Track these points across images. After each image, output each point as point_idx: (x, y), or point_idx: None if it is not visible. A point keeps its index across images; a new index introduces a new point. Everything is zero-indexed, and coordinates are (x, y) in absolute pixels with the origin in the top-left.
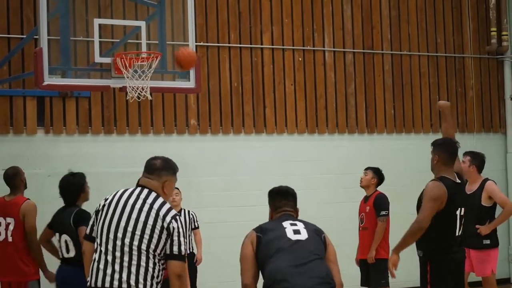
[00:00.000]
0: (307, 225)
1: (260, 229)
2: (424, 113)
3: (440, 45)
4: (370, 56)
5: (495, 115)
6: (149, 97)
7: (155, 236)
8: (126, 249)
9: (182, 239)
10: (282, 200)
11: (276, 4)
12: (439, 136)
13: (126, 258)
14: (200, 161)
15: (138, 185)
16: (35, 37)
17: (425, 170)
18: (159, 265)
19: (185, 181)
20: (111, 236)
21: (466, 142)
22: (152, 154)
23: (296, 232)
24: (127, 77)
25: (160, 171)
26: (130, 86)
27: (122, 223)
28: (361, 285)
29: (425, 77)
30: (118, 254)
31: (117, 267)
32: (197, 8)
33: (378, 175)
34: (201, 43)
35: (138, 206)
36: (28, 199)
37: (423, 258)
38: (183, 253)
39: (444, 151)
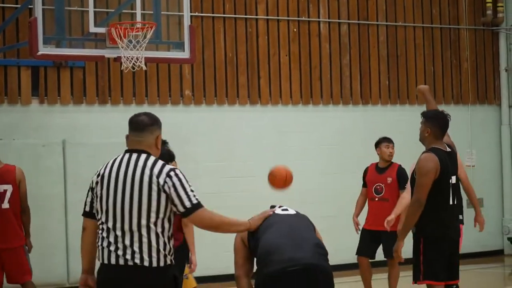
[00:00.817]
0: (297, 211)
1: (257, 229)
2: (419, 85)
3: (435, 17)
4: (365, 27)
5: (489, 87)
6: (144, 68)
7: (155, 203)
8: (134, 226)
9: (185, 191)
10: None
11: None
12: None
13: (136, 234)
14: (194, 132)
15: (128, 150)
16: (29, 6)
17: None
18: (168, 235)
19: (180, 151)
20: (118, 212)
21: (461, 114)
22: None
23: (285, 210)
24: (122, 47)
25: (150, 126)
26: (124, 56)
27: (126, 199)
28: (360, 254)
29: (420, 48)
30: (127, 228)
31: (127, 242)
32: None
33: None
34: (196, 14)
35: (136, 176)
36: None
37: (417, 234)
38: (195, 202)
39: (436, 125)
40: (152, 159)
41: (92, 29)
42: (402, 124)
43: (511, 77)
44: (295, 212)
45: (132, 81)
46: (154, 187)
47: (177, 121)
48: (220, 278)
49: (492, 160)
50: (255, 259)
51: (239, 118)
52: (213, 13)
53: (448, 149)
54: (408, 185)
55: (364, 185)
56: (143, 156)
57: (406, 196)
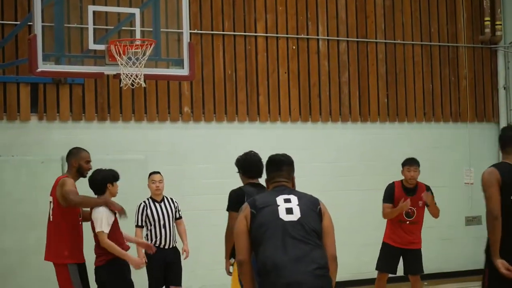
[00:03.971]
0: (301, 199)
1: (254, 204)
2: (417, 102)
3: (433, 34)
4: (363, 45)
5: (488, 105)
6: (143, 84)
7: None
8: None
9: None
10: (275, 171)
11: None
12: (431, 125)
13: None
14: (193, 149)
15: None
16: (29, 23)
17: (417, 159)
18: None
19: (179, 168)
20: None
21: (459, 132)
22: (146, 142)
23: (289, 211)
24: (121, 64)
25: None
26: (124, 73)
27: None
28: (380, 268)
29: (418, 66)
30: None
31: None
32: None
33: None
34: (195, 31)
35: None
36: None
37: (485, 262)
38: None
39: (505, 138)
40: None
41: (92, 46)
42: (401, 141)
43: (509, 95)
44: (299, 215)
45: (131, 98)
46: None
47: (176, 138)
48: None
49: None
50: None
51: (238, 135)
52: (212, 30)
53: None
54: None
55: (391, 201)
56: None
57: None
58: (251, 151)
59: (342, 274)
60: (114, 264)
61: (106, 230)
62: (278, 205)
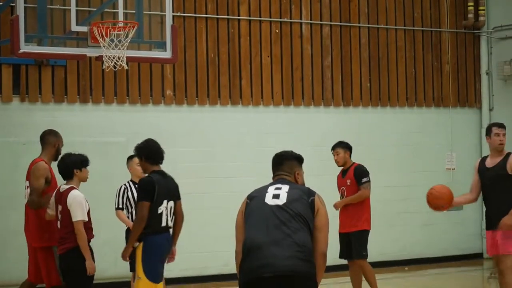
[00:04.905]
0: (293, 189)
1: (250, 195)
2: (400, 87)
3: (417, 19)
4: (347, 29)
5: (470, 90)
6: (125, 67)
7: None
8: None
9: None
10: (276, 165)
11: None
12: (414, 109)
13: None
14: (176, 132)
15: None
16: (11, 4)
17: (400, 143)
18: None
19: None
20: None
21: (441, 117)
22: (128, 124)
23: (275, 196)
24: (104, 46)
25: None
26: (106, 55)
27: None
28: (341, 257)
29: (401, 51)
30: None
31: None
32: None
33: (347, 147)
34: (178, 14)
35: None
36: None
37: None
38: None
39: None
40: None
41: (74, 27)
42: (383, 126)
43: (492, 81)
44: (285, 200)
45: (113, 81)
46: None
47: (158, 121)
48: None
49: (472, 163)
50: None
51: (221, 118)
52: (195, 13)
53: None
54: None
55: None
56: None
57: (363, 190)
58: (150, 139)
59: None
60: (79, 251)
61: (86, 218)
62: (267, 192)
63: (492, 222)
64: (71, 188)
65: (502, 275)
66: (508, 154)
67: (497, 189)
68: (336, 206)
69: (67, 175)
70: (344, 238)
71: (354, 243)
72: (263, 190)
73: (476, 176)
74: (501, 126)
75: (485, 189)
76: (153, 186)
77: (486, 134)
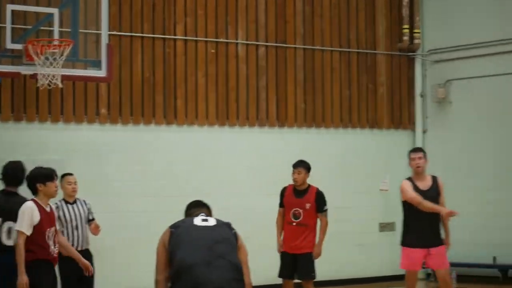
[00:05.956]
0: (218, 220)
1: (174, 225)
2: (335, 108)
3: (352, 41)
4: (282, 50)
5: (404, 112)
6: (60, 85)
7: None
8: None
9: None
10: (197, 207)
11: None
12: (348, 131)
13: None
14: (109, 150)
15: None
16: None
17: (334, 164)
18: None
19: (95, 170)
20: None
21: (376, 138)
22: (62, 143)
23: (204, 220)
24: (38, 64)
25: None
26: (41, 73)
27: None
28: (281, 276)
29: (336, 72)
30: None
31: None
32: None
33: (308, 168)
34: (114, 32)
35: None
36: None
37: None
38: None
39: None
40: None
41: (9, 45)
42: (318, 146)
43: (426, 103)
44: (215, 223)
45: (48, 99)
46: None
47: (93, 139)
48: None
49: None
50: None
51: (155, 137)
52: (131, 32)
53: None
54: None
55: (282, 205)
56: None
57: (325, 220)
58: (14, 161)
59: (258, 278)
60: (35, 266)
61: (28, 231)
62: (194, 219)
63: (426, 240)
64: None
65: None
66: (435, 178)
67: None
68: (317, 254)
69: (32, 190)
70: (289, 258)
71: (305, 264)
72: (189, 219)
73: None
74: (416, 150)
75: (421, 210)
76: None
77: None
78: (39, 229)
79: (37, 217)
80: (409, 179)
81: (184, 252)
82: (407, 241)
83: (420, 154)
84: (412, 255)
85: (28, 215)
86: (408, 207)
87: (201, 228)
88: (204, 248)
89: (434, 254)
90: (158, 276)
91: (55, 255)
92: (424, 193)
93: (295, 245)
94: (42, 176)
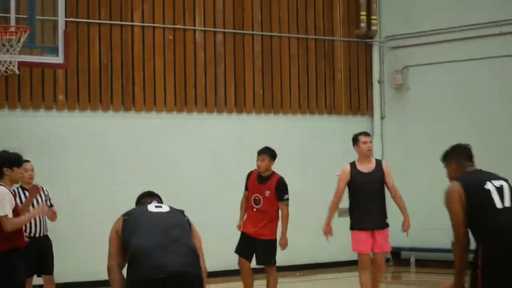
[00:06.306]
0: (172, 207)
1: (127, 213)
2: (293, 95)
3: (310, 28)
4: (240, 37)
5: (362, 98)
6: (17, 72)
7: None
8: None
9: None
10: (148, 197)
11: None
12: (306, 117)
13: None
14: (67, 137)
15: None
16: None
17: (292, 150)
18: None
19: (52, 157)
20: None
21: (334, 124)
22: (19, 130)
23: (158, 207)
24: None
25: None
26: None
27: None
28: (237, 252)
29: (294, 59)
30: None
31: None
32: None
33: (273, 156)
34: (71, 19)
35: None
36: None
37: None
38: None
39: None
40: None
41: None
42: (276, 133)
43: (383, 89)
44: (169, 209)
45: (4, 85)
46: None
47: (50, 126)
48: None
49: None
50: None
51: (113, 124)
52: (88, 19)
53: None
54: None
55: (246, 188)
56: None
57: (286, 209)
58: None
59: (216, 263)
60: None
61: (7, 214)
62: (148, 205)
63: (373, 222)
64: None
65: (379, 270)
66: (379, 161)
67: (376, 191)
68: (284, 245)
69: None
70: (248, 240)
71: (265, 250)
72: (142, 206)
73: (343, 182)
74: (366, 134)
75: (363, 192)
76: None
77: (353, 144)
78: (16, 213)
79: (13, 201)
80: (353, 163)
81: (139, 237)
82: (353, 225)
83: (370, 138)
84: (359, 238)
85: (7, 199)
86: (352, 191)
87: (155, 214)
88: (159, 233)
89: (377, 236)
90: (111, 262)
91: (26, 238)
92: (366, 176)
93: (255, 231)
94: (10, 161)
